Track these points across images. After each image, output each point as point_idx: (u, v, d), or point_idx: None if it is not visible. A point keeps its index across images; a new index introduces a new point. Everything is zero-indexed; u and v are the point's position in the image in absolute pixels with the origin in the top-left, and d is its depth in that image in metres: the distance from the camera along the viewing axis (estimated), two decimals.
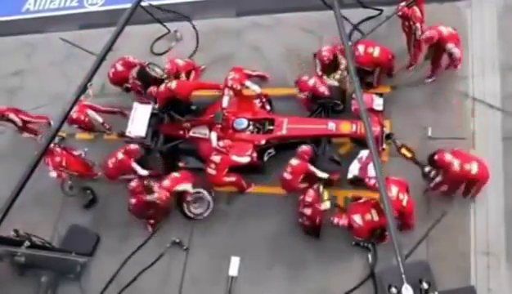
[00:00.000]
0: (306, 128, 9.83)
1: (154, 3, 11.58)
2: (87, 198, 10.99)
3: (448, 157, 8.01)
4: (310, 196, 8.62)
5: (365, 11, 11.04)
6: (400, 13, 9.41)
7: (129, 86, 11.54)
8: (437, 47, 9.24)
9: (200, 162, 10.23)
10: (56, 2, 15.30)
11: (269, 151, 10.07)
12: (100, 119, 11.45)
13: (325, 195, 8.91)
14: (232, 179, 9.71)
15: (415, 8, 9.43)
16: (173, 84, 10.47)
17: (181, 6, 13.22)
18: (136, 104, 10.94)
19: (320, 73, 10.33)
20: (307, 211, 8.73)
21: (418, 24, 9.48)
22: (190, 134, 10.48)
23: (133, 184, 9.66)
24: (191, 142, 10.54)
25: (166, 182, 9.53)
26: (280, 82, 11.17)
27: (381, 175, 6.89)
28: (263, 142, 9.88)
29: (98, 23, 13.33)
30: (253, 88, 10.26)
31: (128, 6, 9.35)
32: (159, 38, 12.72)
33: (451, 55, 9.28)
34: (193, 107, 11.00)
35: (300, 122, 9.97)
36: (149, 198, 9.77)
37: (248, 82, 10.24)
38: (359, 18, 11.10)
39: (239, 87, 10.17)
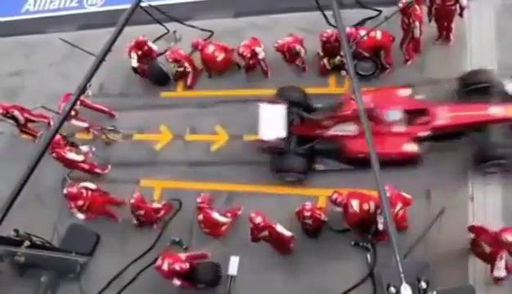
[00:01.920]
0: (465, 116, 8.89)
1: (153, 4, 11.61)
2: None
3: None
4: (308, 211, 8.70)
5: (364, 11, 11.09)
6: (401, 6, 9.43)
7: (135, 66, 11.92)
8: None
9: (340, 163, 9.65)
10: (55, 2, 15.33)
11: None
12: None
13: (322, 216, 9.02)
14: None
15: (417, 7, 9.48)
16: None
17: (181, 6, 13.26)
18: (263, 105, 10.00)
19: (321, 53, 10.49)
20: (309, 221, 8.87)
21: (417, 23, 9.54)
22: (332, 132, 9.62)
23: (133, 200, 9.78)
24: (332, 141, 9.67)
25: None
26: (279, 83, 11.20)
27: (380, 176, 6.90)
28: (424, 134, 9.03)
29: (98, 23, 13.38)
30: (262, 55, 10.69)
31: (128, 6, 9.36)
32: (158, 39, 12.73)
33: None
34: (319, 105, 10.28)
35: (457, 109, 9.06)
36: (155, 205, 10.10)
37: (258, 49, 10.68)
38: (358, 18, 11.13)
39: (248, 55, 10.64)
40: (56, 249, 10.32)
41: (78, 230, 10.64)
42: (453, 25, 10.00)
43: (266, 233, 8.57)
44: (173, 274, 8.71)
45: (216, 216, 9.28)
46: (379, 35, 9.79)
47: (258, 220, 8.37)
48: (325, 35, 10.22)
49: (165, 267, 8.69)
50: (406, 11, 9.47)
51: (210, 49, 11.40)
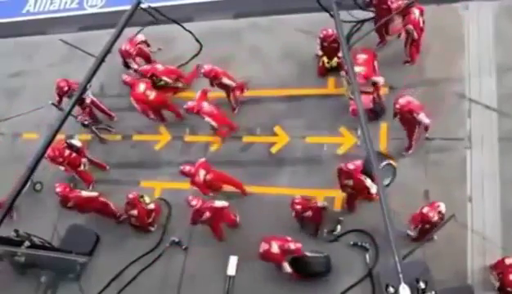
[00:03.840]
0: None
1: (153, 5, 11.62)
2: None
3: None
4: (298, 204, 8.69)
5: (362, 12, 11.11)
6: (395, 10, 9.43)
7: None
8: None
9: None
10: (56, 3, 15.39)
11: None
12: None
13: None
14: None
15: (415, 10, 9.48)
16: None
17: (181, 7, 13.30)
18: None
19: (320, 53, 10.55)
20: (308, 213, 8.85)
21: (410, 26, 9.55)
22: None
23: (131, 196, 9.80)
24: None
25: None
26: (278, 83, 11.26)
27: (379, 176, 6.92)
28: None
29: (98, 24, 13.43)
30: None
31: (128, 7, 9.40)
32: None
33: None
34: None
35: None
36: (150, 206, 10.09)
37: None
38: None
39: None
40: (55, 249, 10.35)
41: (78, 230, 10.69)
42: (414, 139, 9.34)
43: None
44: (285, 255, 8.35)
45: (218, 203, 9.15)
46: (364, 56, 9.51)
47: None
48: (324, 32, 10.27)
49: (275, 250, 8.23)
50: (401, 15, 9.47)
51: (141, 88, 10.79)
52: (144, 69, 11.33)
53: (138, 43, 11.80)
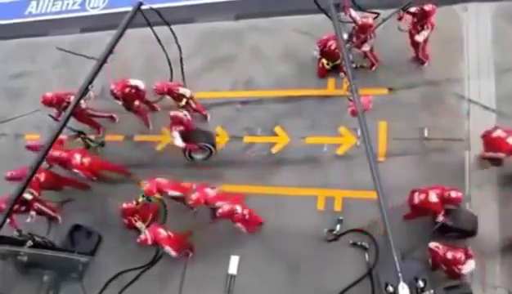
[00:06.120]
0: None
1: (154, 6, 11.68)
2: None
3: None
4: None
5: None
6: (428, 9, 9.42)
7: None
8: None
9: None
10: (57, 5, 15.45)
11: None
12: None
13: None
14: None
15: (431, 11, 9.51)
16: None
17: (182, 9, 13.37)
18: None
19: (318, 56, 10.62)
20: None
21: (426, 32, 9.58)
22: None
23: (125, 205, 9.80)
24: None
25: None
26: (278, 84, 11.33)
27: (378, 177, 6.99)
28: None
29: (99, 26, 13.49)
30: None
31: (129, 9, 9.47)
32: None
33: None
34: None
35: None
36: (139, 225, 9.99)
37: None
38: None
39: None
40: (58, 249, 10.41)
41: (81, 230, 10.75)
42: None
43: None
44: (444, 204, 7.81)
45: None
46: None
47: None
48: (322, 43, 10.42)
49: (434, 199, 7.74)
50: (422, 17, 9.46)
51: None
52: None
53: (129, 86, 10.94)
